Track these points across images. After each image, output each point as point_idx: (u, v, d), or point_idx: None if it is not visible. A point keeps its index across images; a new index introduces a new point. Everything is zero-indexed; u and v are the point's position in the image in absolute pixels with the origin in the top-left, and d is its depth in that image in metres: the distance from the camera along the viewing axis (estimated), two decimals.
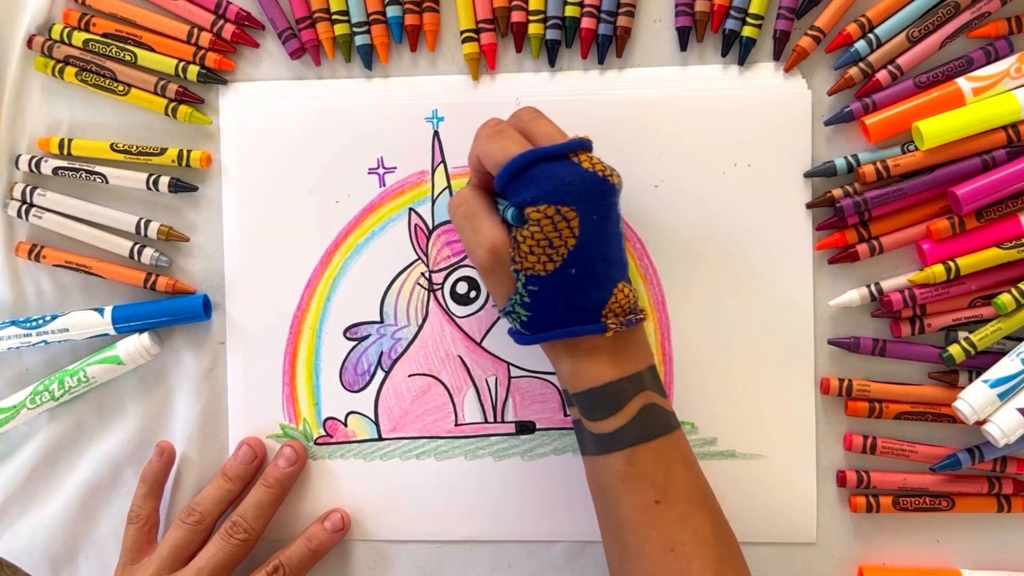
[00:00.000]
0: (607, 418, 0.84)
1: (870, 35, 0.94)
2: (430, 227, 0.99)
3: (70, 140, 1.00)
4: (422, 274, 1.00)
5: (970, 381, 0.94)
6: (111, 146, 1.00)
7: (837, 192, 0.95)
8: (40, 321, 1.00)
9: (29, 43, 1.00)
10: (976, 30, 0.94)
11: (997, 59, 0.94)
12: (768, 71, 0.97)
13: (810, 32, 0.95)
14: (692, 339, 0.99)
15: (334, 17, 0.99)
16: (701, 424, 0.99)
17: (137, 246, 1.00)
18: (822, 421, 0.98)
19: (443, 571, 1.02)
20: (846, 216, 0.94)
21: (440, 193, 0.99)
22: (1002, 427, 0.89)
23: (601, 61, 0.98)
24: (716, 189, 0.97)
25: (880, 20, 0.94)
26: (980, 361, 0.94)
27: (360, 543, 1.02)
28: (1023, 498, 0.97)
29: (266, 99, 1.01)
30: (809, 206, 0.96)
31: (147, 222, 1.00)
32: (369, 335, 1.00)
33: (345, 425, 1.01)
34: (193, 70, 0.99)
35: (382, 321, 1.00)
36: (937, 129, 0.91)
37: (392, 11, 0.98)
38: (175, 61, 0.99)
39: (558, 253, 0.81)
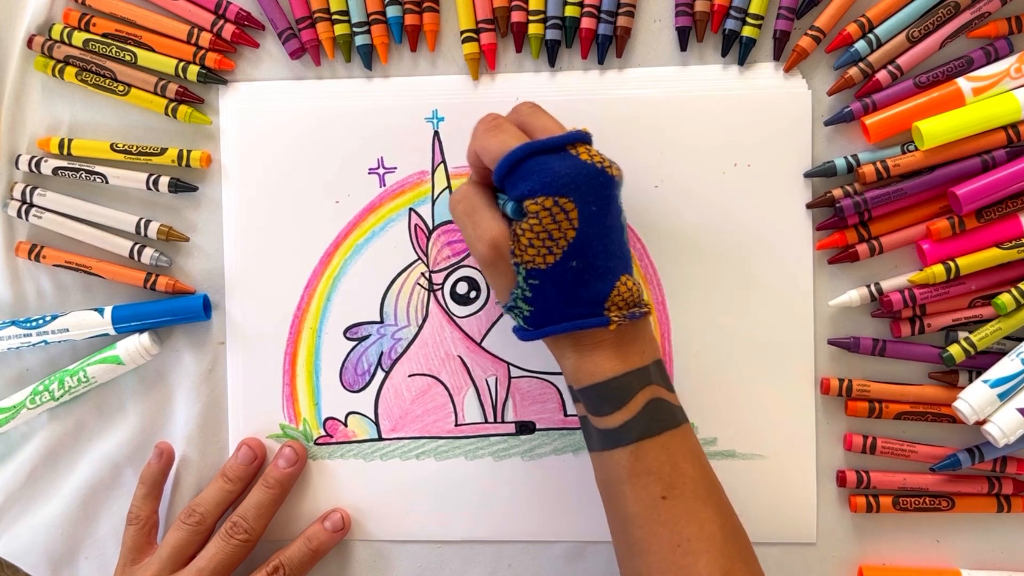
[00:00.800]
0: (612, 413, 0.84)
1: (870, 35, 0.94)
2: (430, 227, 0.99)
3: (70, 140, 1.00)
4: (422, 274, 1.00)
5: (970, 381, 0.94)
6: (111, 146, 1.00)
7: (837, 192, 0.95)
8: (40, 321, 1.00)
9: (29, 43, 1.00)
10: (976, 30, 0.94)
11: (997, 59, 0.94)
12: (768, 71, 0.97)
13: (810, 32, 0.95)
14: (692, 339, 0.99)
15: (334, 17, 0.99)
16: (701, 424, 0.99)
17: (137, 246, 1.00)
18: (822, 421, 0.98)
19: (443, 571, 1.02)
20: (846, 216, 0.94)
21: (440, 193, 0.99)
22: (1002, 427, 0.89)
23: (601, 61, 0.98)
24: (716, 189, 0.97)
25: (880, 20, 0.94)
26: (980, 361, 0.94)
27: (360, 543, 1.02)
28: (1023, 498, 0.97)
29: (266, 99, 1.01)
30: (809, 206, 0.96)
31: (147, 222, 1.00)
32: (369, 335, 1.00)
33: (345, 425, 1.01)
34: (193, 70, 0.99)
35: (382, 321, 1.00)
36: (937, 129, 0.91)
37: (392, 11, 0.98)
38: (175, 61, 0.99)
39: (558, 246, 0.81)
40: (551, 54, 0.98)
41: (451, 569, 1.02)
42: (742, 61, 0.97)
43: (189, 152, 0.99)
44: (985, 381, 0.91)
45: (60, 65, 1.00)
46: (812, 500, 0.98)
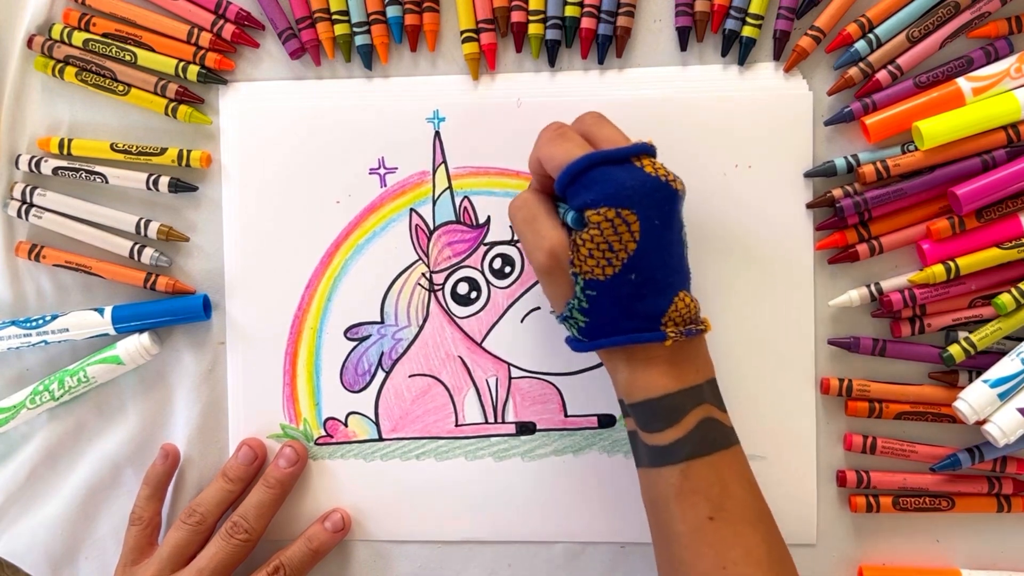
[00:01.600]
0: (663, 431, 0.83)
1: (870, 35, 0.94)
2: (431, 228, 0.99)
3: (70, 140, 1.00)
4: (423, 274, 1.00)
5: (970, 381, 0.94)
6: (111, 146, 1.00)
7: (837, 192, 0.95)
8: (40, 321, 1.00)
9: (29, 43, 1.00)
10: (976, 30, 0.94)
11: (997, 59, 0.94)
12: (768, 71, 0.97)
13: (810, 32, 0.95)
14: None
15: (334, 17, 0.99)
16: None
17: (137, 246, 1.00)
18: (822, 421, 0.98)
19: (443, 571, 1.02)
20: (846, 216, 0.94)
21: (441, 194, 0.99)
22: (1002, 427, 0.89)
23: (601, 61, 0.98)
24: (717, 190, 0.97)
25: (880, 20, 0.94)
26: (980, 361, 0.94)
27: (360, 543, 1.02)
28: (1023, 498, 0.97)
29: (266, 99, 1.01)
30: (809, 206, 0.96)
31: (147, 222, 1.00)
32: (370, 335, 1.00)
33: (345, 425, 1.01)
34: (193, 70, 0.99)
35: (383, 321, 1.00)
36: (937, 129, 0.91)
37: (392, 11, 0.98)
38: (175, 61, 0.99)
39: (617, 258, 0.81)
40: (551, 54, 0.98)
41: (451, 569, 1.02)
42: (742, 61, 0.97)
43: (189, 152, 0.99)
44: (985, 381, 0.91)
45: (60, 65, 1.00)
46: (812, 500, 0.98)
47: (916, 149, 0.93)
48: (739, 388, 0.98)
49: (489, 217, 0.99)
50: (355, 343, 1.01)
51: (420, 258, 1.00)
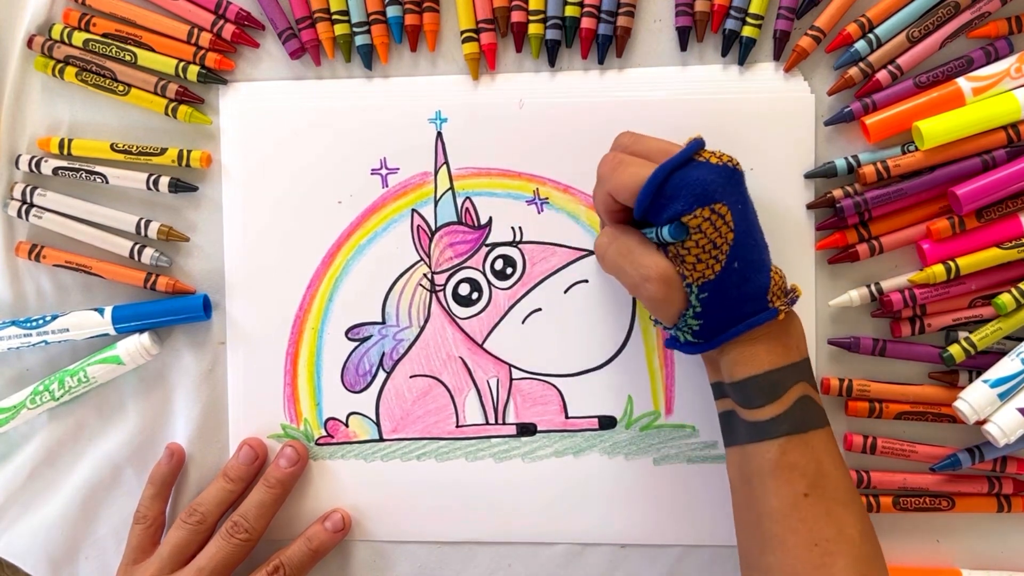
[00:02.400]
0: (764, 406, 0.84)
1: (870, 35, 0.94)
2: (432, 228, 0.99)
3: (70, 140, 1.00)
4: (424, 275, 1.00)
5: (970, 381, 0.94)
6: (111, 146, 1.00)
7: (837, 193, 0.95)
8: (40, 321, 1.00)
9: (29, 43, 1.00)
10: (976, 30, 0.94)
11: (997, 59, 0.94)
12: (768, 71, 0.97)
13: (810, 32, 0.95)
14: None
15: (334, 17, 0.99)
16: (702, 427, 0.99)
17: (137, 246, 1.00)
18: None
19: (443, 571, 1.02)
20: (846, 216, 0.94)
21: (443, 194, 0.99)
22: (1002, 427, 0.89)
23: (601, 61, 0.98)
24: None
25: (880, 20, 0.94)
26: (980, 361, 0.94)
27: (360, 543, 1.02)
28: (1023, 498, 0.97)
29: (266, 99, 1.01)
30: (810, 207, 0.96)
31: (147, 222, 1.00)
32: (371, 336, 1.00)
33: (346, 426, 1.01)
34: (193, 70, 0.99)
35: (384, 322, 1.00)
36: (937, 129, 0.91)
37: (392, 11, 0.98)
38: (175, 61, 0.99)
39: (721, 252, 0.82)
40: (551, 54, 0.98)
41: (451, 569, 1.02)
42: (742, 61, 0.97)
43: (189, 152, 0.99)
44: (985, 381, 0.91)
45: (60, 65, 1.00)
46: None
47: (916, 149, 0.93)
48: None
49: (491, 218, 0.99)
50: (356, 343, 1.01)
51: (422, 259, 1.00)
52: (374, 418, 1.01)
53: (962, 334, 0.94)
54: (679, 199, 0.81)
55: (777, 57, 0.97)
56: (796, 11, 0.96)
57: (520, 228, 0.99)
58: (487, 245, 0.99)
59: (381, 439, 1.01)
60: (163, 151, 0.99)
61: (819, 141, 0.97)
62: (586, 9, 0.97)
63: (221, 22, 0.99)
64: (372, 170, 1.00)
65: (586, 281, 0.99)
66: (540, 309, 0.99)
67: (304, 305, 1.01)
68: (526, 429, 1.00)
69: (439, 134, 0.99)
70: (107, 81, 0.99)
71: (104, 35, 0.99)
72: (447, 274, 1.00)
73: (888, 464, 0.98)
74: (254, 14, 1.00)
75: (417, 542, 1.02)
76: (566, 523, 1.00)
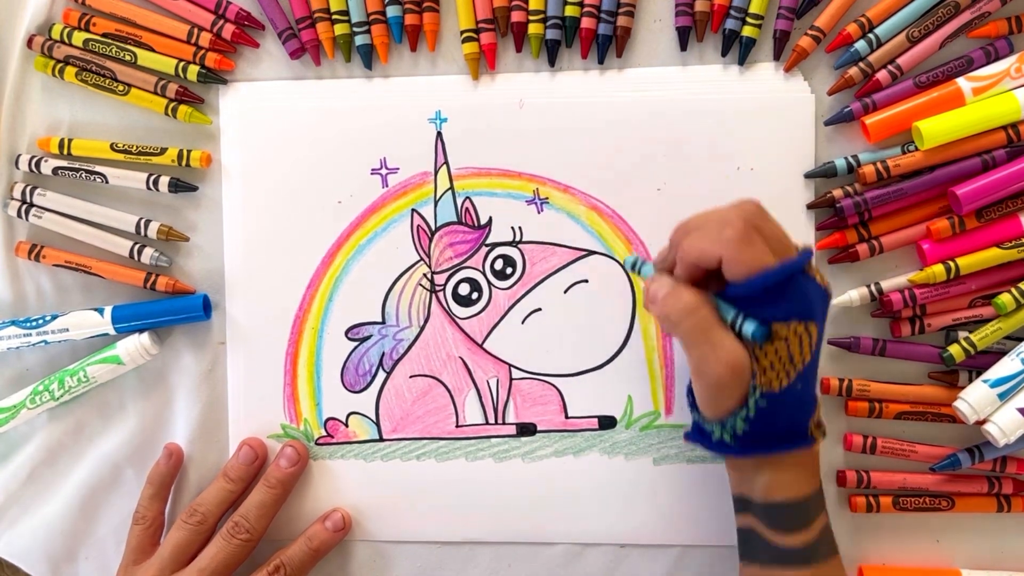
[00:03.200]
0: (794, 532, 0.84)
1: (870, 35, 0.94)
2: (432, 228, 0.99)
3: (70, 140, 1.00)
4: (424, 275, 1.00)
5: (970, 381, 0.94)
6: (111, 146, 1.00)
7: (838, 193, 0.94)
8: (40, 321, 1.00)
9: (29, 43, 1.00)
10: (976, 30, 0.94)
11: (997, 59, 0.94)
12: (768, 71, 0.97)
13: (810, 32, 0.95)
14: None
15: (334, 17, 0.99)
16: None
17: (137, 246, 1.00)
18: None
19: (443, 571, 1.02)
20: (846, 216, 0.94)
21: (443, 194, 0.99)
22: (1002, 427, 0.89)
23: (601, 61, 0.98)
24: (720, 192, 0.97)
25: (880, 20, 0.94)
26: (980, 361, 0.94)
27: (360, 543, 1.02)
28: (1023, 498, 0.97)
29: (266, 99, 1.01)
30: (810, 207, 0.96)
31: (147, 222, 1.00)
32: (371, 336, 1.00)
33: (346, 425, 1.01)
34: (193, 70, 0.99)
35: (384, 322, 1.00)
36: (937, 129, 0.91)
37: (392, 11, 0.98)
38: (175, 61, 0.99)
39: (795, 369, 0.81)
40: (551, 54, 0.98)
41: (451, 569, 1.02)
42: (742, 61, 0.97)
43: (189, 152, 0.99)
44: (985, 381, 0.91)
45: (60, 65, 1.00)
46: None
47: (916, 149, 0.93)
48: None
49: (491, 218, 0.99)
50: (356, 343, 1.01)
51: (421, 259, 1.00)
52: (374, 418, 1.01)
53: (962, 334, 0.94)
54: (783, 305, 0.80)
55: (777, 57, 0.97)
56: (796, 11, 0.96)
57: (520, 228, 0.99)
58: (487, 245, 0.99)
59: (381, 439, 1.01)
60: (163, 151, 0.99)
61: (819, 141, 0.97)
62: (586, 9, 0.97)
63: (221, 22, 0.99)
64: (372, 170, 1.00)
65: (586, 281, 0.99)
66: (540, 309, 0.99)
67: (304, 305, 1.01)
68: (526, 429, 1.00)
69: (439, 134, 0.99)
70: (107, 81, 0.99)
71: (104, 35, 0.99)
72: (447, 274, 1.00)
73: (888, 464, 0.98)
74: (254, 14, 1.00)
75: (417, 542, 1.02)
76: (566, 523, 1.00)
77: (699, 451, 0.98)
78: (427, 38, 0.99)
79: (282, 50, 1.00)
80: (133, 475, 1.03)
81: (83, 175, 1.00)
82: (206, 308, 1.01)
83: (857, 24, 0.95)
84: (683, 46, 0.98)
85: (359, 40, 0.99)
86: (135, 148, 0.99)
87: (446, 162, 0.99)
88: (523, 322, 0.99)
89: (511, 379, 1.00)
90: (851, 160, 0.95)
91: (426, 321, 1.00)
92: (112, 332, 1.00)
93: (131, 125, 1.01)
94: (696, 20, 0.97)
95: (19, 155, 1.01)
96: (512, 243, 0.99)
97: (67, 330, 0.99)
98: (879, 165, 0.93)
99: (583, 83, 0.99)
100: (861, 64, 0.95)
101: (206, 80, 1.00)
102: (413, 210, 1.00)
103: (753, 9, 0.95)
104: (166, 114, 1.00)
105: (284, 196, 1.00)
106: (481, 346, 1.00)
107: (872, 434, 0.97)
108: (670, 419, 0.99)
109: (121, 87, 0.99)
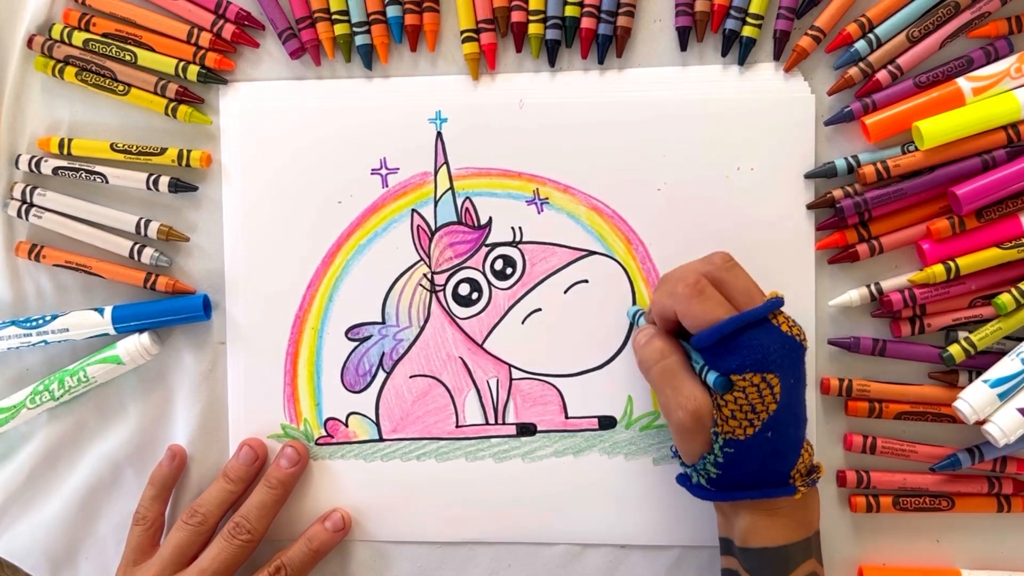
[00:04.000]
0: None
1: (870, 35, 0.94)
2: (432, 228, 0.99)
3: (70, 140, 1.00)
4: (424, 275, 1.00)
5: (970, 381, 0.94)
6: (111, 146, 1.00)
7: (838, 193, 0.94)
8: (40, 321, 1.00)
9: (29, 43, 1.00)
10: (976, 30, 0.94)
11: (997, 59, 0.94)
12: (768, 71, 0.97)
13: (810, 32, 0.95)
14: None
15: (334, 17, 0.99)
16: None
17: (137, 246, 1.00)
18: (822, 421, 0.98)
19: (443, 571, 1.02)
20: (846, 216, 0.94)
21: (443, 194, 0.99)
22: (1002, 427, 0.89)
23: (601, 61, 0.98)
24: (719, 192, 0.97)
25: (880, 20, 0.94)
26: (980, 361, 0.94)
27: (360, 543, 1.02)
28: (1023, 498, 0.97)
29: (266, 99, 1.01)
30: (810, 207, 0.96)
31: (147, 222, 1.00)
32: (371, 336, 1.00)
33: (346, 426, 1.01)
34: (193, 70, 0.99)
35: (384, 322, 1.00)
36: (937, 129, 0.91)
37: (392, 11, 0.98)
38: (175, 61, 0.99)
39: (759, 418, 0.83)
40: (551, 54, 0.98)
41: (451, 570, 1.02)
42: (742, 61, 0.97)
43: (189, 152, 0.99)
44: (985, 381, 0.91)
45: (60, 65, 1.00)
46: None
47: (916, 149, 0.93)
48: None
49: (491, 218, 0.99)
50: (356, 343, 1.01)
51: (422, 259, 1.00)
52: (374, 418, 1.01)
53: (962, 334, 0.94)
54: (737, 356, 0.83)
55: (777, 57, 0.97)
56: (796, 11, 0.95)
57: (520, 228, 0.99)
58: (487, 245, 0.99)
59: (381, 439, 1.01)
60: (163, 151, 0.99)
61: (819, 141, 0.96)
62: (586, 9, 0.97)
63: (221, 22, 0.99)
64: (372, 170, 1.00)
65: (586, 281, 0.99)
66: (540, 309, 0.99)
67: (304, 305, 1.01)
68: (526, 429, 1.00)
69: (439, 134, 0.99)
70: (107, 81, 0.99)
71: (104, 35, 0.99)
72: (447, 274, 1.00)
73: (888, 464, 0.98)
74: (254, 14, 1.00)
75: (417, 542, 1.02)
76: (566, 523, 1.00)
77: None
78: (427, 38, 0.99)
79: (282, 50, 1.00)
80: (133, 475, 1.03)
81: (83, 175, 1.00)
82: (206, 308, 1.01)
83: (857, 24, 0.94)
84: (683, 46, 0.98)
85: (359, 40, 0.99)
86: (135, 148, 0.99)
87: (446, 162, 0.99)
88: (523, 322, 0.99)
89: (511, 379, 1.00)
90: (851, 160, 0.95)
91: (426, 321, 1.00)
92: (112, 332, 1.00)
93: (131, 125, 1.01)
94: (696, 20, 0.96)
95: (19, 155, 1.01)
96: (512, 243, 0.99)
97: (67, 330, 0.99)
98: (879, 165, 0.93)
99: (583, 83, 0.99)
100: (861, 64, 0.94)
101: (206, 80, 1.00)
102: (413, 210, 1.00)
103: (753, 9, 0.95)
104: (166, 114, 1.00)
105: (284, 196, 1.00)
106: (481, 346, 1.00)
107: (872, 434, 0.97)
108: None
109: (121, 87, 0.99)
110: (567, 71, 0.99)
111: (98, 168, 1.00)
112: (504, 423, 1.00)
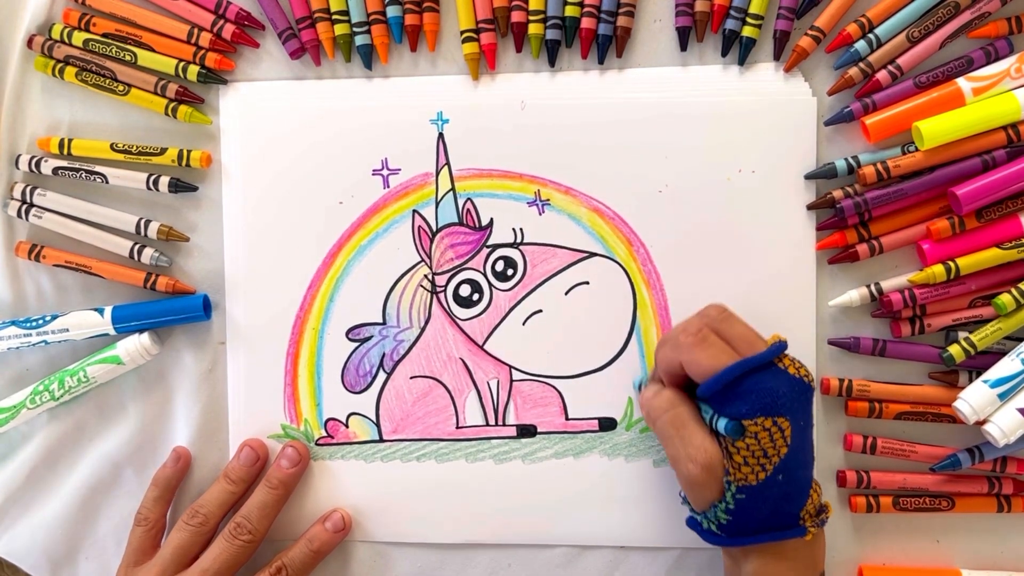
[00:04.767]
0: None
1: (870, 35, 0.94)
2: (433, 229, 0.99)
3: (70, 140, 1.00)
4: (425, 276, 1.00)
5: (970, 381, 0.94)
6: (111, 146, 1.00)
7: (838, 193, 0.94)
8: (40, 321, 1.00)
9: (29, 43, 1.00)
10: (976, 30, 0.94)
11: (997, 59, 0.94)
12: (768, 71, 0.97)
13: (810, 32, 0.95)
14: None
15: (334, 17, 0.99)
16: None
17: (137, 246, 1.00)
18: (822, 421, 0.98)
19: (443, 572, 1.02)
20: (846, 216, 0.94)
21: (444, 195, 0.99)
22: (1002, 427, 0.89)
23: (601, 61, 0.98)
24: (721, 193, 0.97)
25: (880, 20, 0.94)
26: (980, 361, 0.94)
27: (360, 544, 1.02)
28: (1023, 498, 0.97)
29: (266, 99, 1.01)
30: (810, 207, 0.96)
31: (147, 222, 1.00)
32: (371, 336, 1.00)
33: (346, 426, 1.01)
34: (193, 70, 0.99)
35: (384, 323, 1.00)
36: (937, 129, 0.91)
37: (392, 11, 0.98)
38: (175, 61, 0.99)
39: (771, 463, 0.83)
40: (551, 54, 0.98)
41: (451, 570, 1.02)
42: (742, 61, 0.97)
43: (189, 152, 0.99)
44: (985, 381, 0.91)
45: (60, 65, 1.00)
46: None
47: (916, 150, 0.93)
48: None
49: (492, 219, 0.99)
50: (356, 344, 1.01)
51: (423, 260, 1.00)
52: (374, 419, 1.01)
53: (962, 334, 0.94)
54: (746, 401, 0.83)
55: (777, 57, 0.97)
56: (796, 11, 0.96)
57: (521, 229, 0.99)
58: (488, 246, 0.99)
59: (381, 440, 1.01)
60: (163, 151, 0.99)
61: (819, 141, 0.96)
62: (586, 9, 0.97)
63: (221, 22, 0.99)
64: (374, 171, 0.99)
65: (587, 283, 0.98)
66: (541, 311, 0.99)
67: (305, 305, 1.01)
68: (526, 430, 1.00)
69: (440, 135, 0.99)
70: (107, 81, 0.99)
71: (104, 35, 0.99)
72: (448, 275, 1.00)
73: (888, 464, 0.98)
74: (254, 14, 1.00)
75: (417, 543, 1.02)
76: (566, 525, 1.00)
77: None
78: (427, 38, 0.99)
79: (282, 50, 1.00)
80: (133, 475, 1.03)
81: (83, 175, 1.00)
82: (206, 308, 1.01)
83: (857, 24, 0.94)
84: (683, 46, 0.98)
85: (359, 40, 0.99)
86: (135, 148, 0.99)
87: (447, 163, 0.99)
88: (524, 323, 0.99)
89: (511, 380, 1.00)
90: (851, 161, 0.95)
91: (427, 322, 1.00)
92: (112, 332, 1.00)
93: (131, 125, 1.01)
94: (696, 20, 0.96)
95: (19, 155, 1.01)
96: (513, 244, 0.99)
97: (67, 330, 0.99)
98: (879, 166, 0.93)
99: (583, 83, 0.99)
100: (861, 64, 0.95)
101: (206, 80, 1.00)
102: (414, 211, 1.00)
103: (753, 9, 0.95)
104: (166, 114, 1.00)
105: (284, 196, 1.00)
106: (482, 347, 1.00)
107: (872, 434, 0.97)
108: None
109: (121, 87, 0.99)
110: (567, 71, 0.99)
111: (98, 168, 1.00)
112: (504, 424, 1.00)
